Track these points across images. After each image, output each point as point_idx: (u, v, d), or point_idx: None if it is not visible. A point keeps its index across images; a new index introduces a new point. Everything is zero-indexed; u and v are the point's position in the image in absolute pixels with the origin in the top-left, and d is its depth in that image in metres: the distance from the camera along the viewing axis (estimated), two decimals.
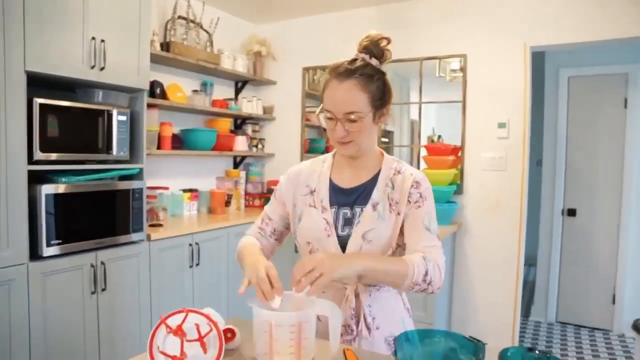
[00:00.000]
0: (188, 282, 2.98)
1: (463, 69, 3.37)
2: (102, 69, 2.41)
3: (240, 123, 4.13)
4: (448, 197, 3.32)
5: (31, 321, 2.17)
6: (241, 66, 3.87)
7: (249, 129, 4.11)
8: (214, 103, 3.71)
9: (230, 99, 3.91)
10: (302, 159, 4.09)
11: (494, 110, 3.30)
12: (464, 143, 3.42)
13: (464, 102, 3.40)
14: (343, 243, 1.30)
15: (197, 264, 3.03)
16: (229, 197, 3.75)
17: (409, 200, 1.29)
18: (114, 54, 2.49)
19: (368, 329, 1.30)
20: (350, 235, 1.30)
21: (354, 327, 1.31)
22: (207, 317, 1.05)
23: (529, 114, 3.23)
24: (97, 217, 2.46)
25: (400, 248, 1.33)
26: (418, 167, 3.63)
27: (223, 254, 3.23)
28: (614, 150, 3.89)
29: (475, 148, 3.38)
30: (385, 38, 1.27)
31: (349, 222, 1.32)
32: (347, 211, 1.33)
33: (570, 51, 3.99)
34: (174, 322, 1.02)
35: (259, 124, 4.23)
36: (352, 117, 1.22)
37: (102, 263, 2.45)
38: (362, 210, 1.31)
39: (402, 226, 1.31)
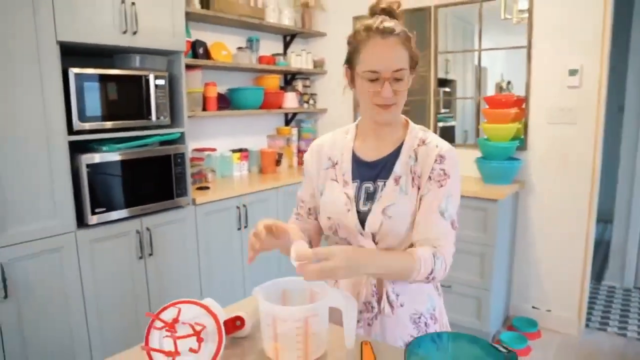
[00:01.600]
0: (237, 245, 2.98)
1: (529, 9, 2.99)
2: (134, 33, 2.34)
3: (290, 79, 3.99)
4: (510, 154, 3.03)
5: (84, 286, 2.26)
6: (288, 19, 3.69)
7: (299, 84, 3.97)
8: (261, 59, 3.58)
9: (279, 54, 3.76)
10: (355, 114, 3.91)
11: (564, 56, 2.92)
12: (528, 93, 3.07)
13: (528, 46, 3.03)
14: (363, 218, 1.23)
15: (246, 227, 3.02)
16: (280, 155, 3.69)
17: (429, 177, 1.19)
18: (146, 17, 2.40)
19: (391, 306, 1.23)
20: (371, 211, 1.22)
21: (375, 305, 1.24)
22: (206, 308, 0.98)
23: (608, 58, 2.82)
24: (139, 184, 2.46)
25: None
26: (477, 122, 3.35)
27: (272, 215, 3.19)
28: None
29: (542, 99, 3.04)
30: (397, 1, 1.23)
31: (371, 196, 1.24)
32: (369, 185, 1.25)
33: None
34: (168, 315, 0.96)
35: (310, 79, 4.07)
36: (399, 75, 1.14)
37: (148, 229, 2.48)
38: (384, 184, 1.23)
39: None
